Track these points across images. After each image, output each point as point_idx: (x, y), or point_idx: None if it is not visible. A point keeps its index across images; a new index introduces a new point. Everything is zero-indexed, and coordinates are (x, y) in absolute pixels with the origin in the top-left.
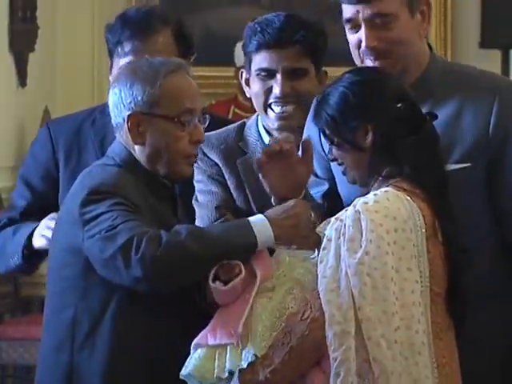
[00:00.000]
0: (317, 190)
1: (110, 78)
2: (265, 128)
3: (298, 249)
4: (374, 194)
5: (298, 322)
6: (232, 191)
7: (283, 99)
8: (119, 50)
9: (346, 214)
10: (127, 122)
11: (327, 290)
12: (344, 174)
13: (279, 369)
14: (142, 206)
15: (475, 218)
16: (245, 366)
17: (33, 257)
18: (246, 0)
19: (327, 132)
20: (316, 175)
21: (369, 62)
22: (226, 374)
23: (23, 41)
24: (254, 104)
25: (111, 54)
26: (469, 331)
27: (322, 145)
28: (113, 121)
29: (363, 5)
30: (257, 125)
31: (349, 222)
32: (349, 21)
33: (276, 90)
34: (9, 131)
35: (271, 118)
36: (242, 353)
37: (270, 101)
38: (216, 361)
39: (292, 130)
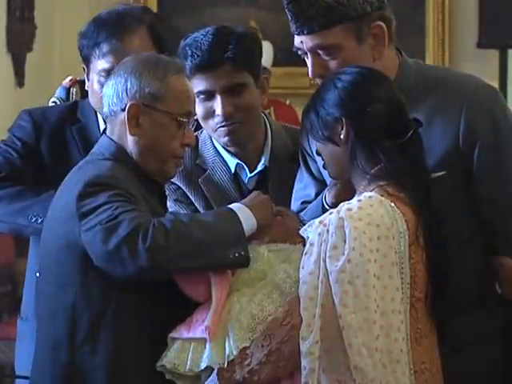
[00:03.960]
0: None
1: (87, 87)
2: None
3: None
4: (358, 200)
5: (279, 327)
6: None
7: (227, 118)
8: (97, 51)
9: (330, 220)
10: (128, 111)
11: (306, 296)
12: (324, 168)
13: (256, 370)
14: (138, 196)
15: (457, 224)
16: (225, 365)
17: None
18: (244, 0)
19: (312, 121)
20: (312, 175)
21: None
22: (201, 368)
23: (21, 41)
24: (202, 126)
25: (87, 60)
26: (455, 336)
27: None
28: (106, 109)
29: (305, 36)
30: (211, 139)
31: (332, 229)
32: (297, 48)
33: (218, 111)
34: (6, 131)
35: (220, 137)
36: (219, 350)
37: (215, 121)
38: (190, 354)
39: (241, 144)
